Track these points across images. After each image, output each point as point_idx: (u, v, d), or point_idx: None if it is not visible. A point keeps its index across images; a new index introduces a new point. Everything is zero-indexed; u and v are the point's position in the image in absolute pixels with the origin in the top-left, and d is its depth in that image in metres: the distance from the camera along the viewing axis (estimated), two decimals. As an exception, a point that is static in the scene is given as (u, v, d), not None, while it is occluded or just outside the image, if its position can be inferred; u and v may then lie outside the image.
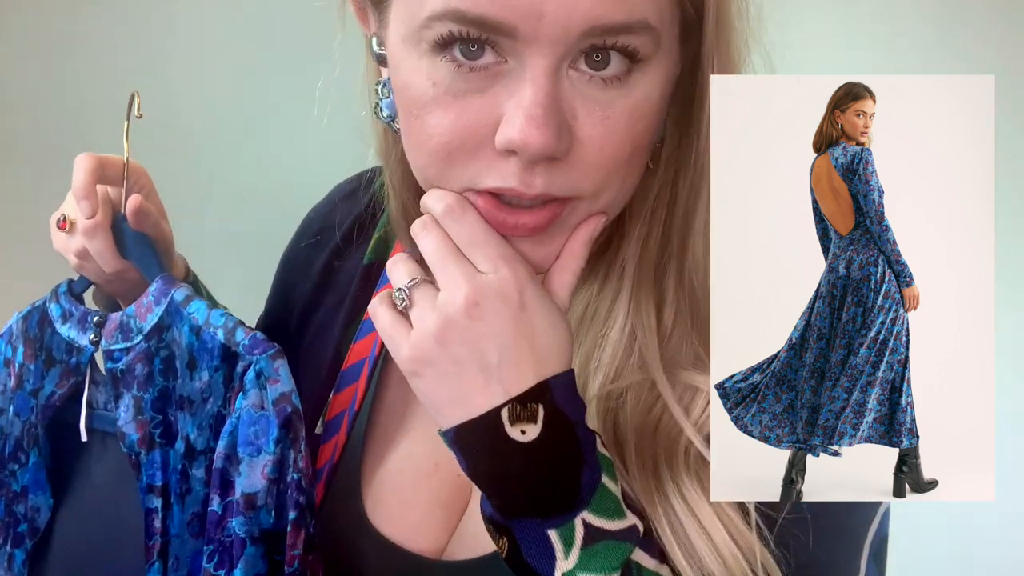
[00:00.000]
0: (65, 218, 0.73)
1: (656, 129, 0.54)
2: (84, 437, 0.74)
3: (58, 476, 0.76)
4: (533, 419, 0.51)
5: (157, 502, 0.69)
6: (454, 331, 0.52)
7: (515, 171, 0.51)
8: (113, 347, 0.72)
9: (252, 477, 0.66)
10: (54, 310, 0.76)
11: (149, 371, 0.70)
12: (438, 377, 0.53)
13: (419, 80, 0.52)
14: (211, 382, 0.69)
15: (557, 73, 0.50)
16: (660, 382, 0.56)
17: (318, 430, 0.72)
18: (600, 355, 0.59)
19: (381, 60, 0.58)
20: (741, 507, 0.54)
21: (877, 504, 0.57)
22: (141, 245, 0.73)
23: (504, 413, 0.51)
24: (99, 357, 0.73)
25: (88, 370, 0.74)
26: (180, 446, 0.70)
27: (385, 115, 0.60)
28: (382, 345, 0.71)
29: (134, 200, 0.72)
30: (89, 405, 0.74)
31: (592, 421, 0.56)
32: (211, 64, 1.58)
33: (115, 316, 0.73)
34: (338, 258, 0.77)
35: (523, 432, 0.50)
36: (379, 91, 0.60)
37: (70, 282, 0.77)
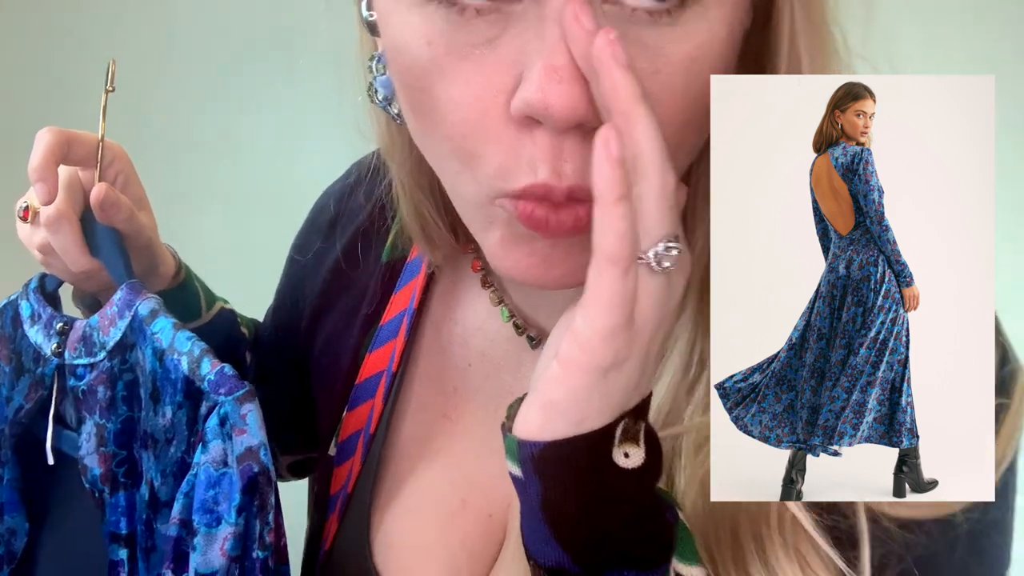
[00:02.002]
0: (28, 206, 0.63)
1: None
2: (50, 460, 0.63)
3: (34, 498, 0.66)
4: (637, 439, 0.39)
5: (123, 553, 0.58)
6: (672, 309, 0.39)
7: (543, 154, 0.39)
8: (76, 362, 0.61)
9: (209, 553, 0.52)
10: (24, 309, 0.65)
11: (112, 396, 0.59)
12: (623, 371, 0.38)
13: (412, 39, 0.40)
14: (174, 421, 0.57)
15: (587, 7, 0.37)
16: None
17: (332, 451, 0.64)
18: (655, 384, 0.48)
19: (372, 28, 0.47)
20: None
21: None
22: (109, 242, 0.62)
23: (619, 429, 0.39)
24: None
25: (54, 384, 0.63)
26: (145, 492, 0.58)
27: (380, 97, 0.49)
28: (400, 358, 0.62)
29: (99, 189, 0.60)
30: (61, 422, 0.63)
31: None
32: (203, 54, 1.58)
33: (79, 325, 0.62)
34: (354, 252, 0.67)
35: (627, 456, 0.39)
36: (373, 68, 0.49)
37: (42, 277, 0.66)
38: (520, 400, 0.42)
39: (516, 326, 0.59)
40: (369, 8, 0.46)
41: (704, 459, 0.46)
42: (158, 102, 1.56)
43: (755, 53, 0.44)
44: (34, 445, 0.64)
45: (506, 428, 0.41)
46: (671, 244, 0.37)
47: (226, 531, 0.53)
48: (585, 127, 0.39)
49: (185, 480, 0.54)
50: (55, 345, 0.62)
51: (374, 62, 0.49)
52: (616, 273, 0.36)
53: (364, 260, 0.67)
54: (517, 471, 0.39)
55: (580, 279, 0.41)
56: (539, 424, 0.38)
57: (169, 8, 1.58)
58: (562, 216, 0.41)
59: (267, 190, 1.51)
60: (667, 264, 0.38)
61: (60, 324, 0.62)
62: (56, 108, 1.54)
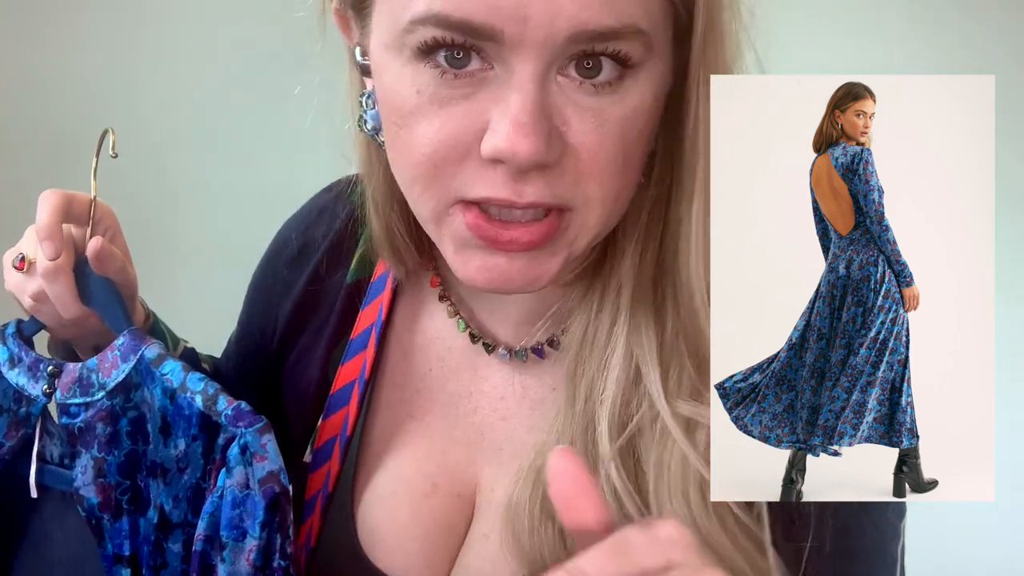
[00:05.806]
0: (24, 257, 0.67)
1: (649, 139, 0.53)
2: (34, 494, 0.67)
3: (11, 535, 0.69)
4: None
5: (125, 573, 0.64)
6: None
7: (504, 180, 0.49)
8: (69, 401, 0.65)
9: (237, 564, 0.60)
10: (1, 353, 0.69)
11: (114, 431, 0.65)
12: None
13: (403, 87, 0.50)
14: (188, 452, 0.63)
15: (545, 79, 0.48)
16: (666, 417, 0.53)
17: (306, 458, 0.69)
18: (604, 382, 0.57)
19: (365, 71, 0.57)
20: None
21: (896, 541, 0.57)
22: (105, 291, 0.67)
23: None
24: (52, 408, 0.67)
25: (39, 422, 0.67)
26: (153, 515, 0.64)
27: (369, 127, 0.58)
28: (372, 366, 0.69)
29: (95, 242, 0.65)
30: (42, 459, 0.67)
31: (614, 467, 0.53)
32: (194, 74, 1.59)
33: (73, 367, 0.66)
34: (320, 277, 0.74)
35: None
36: (363, 103, 0.58)
37: (19, 323, 0.70)
38: None
39: (472, 335, 0.66)
40: (363, 55, 0.56)
41: (659, 446, 0.53)
42: (156, 103, 1.56)
43: (674, 109, 0.53)
44: (11, 480, 0.68)
45: None
46: None
47: (251, 544, 0.60)
48: (542, 165, 0.49)
49: (208, 502, 0.61)
50: (45, 386, 0.66)
51: (364, 98, 0.58)
52: None
53: (329, 283, 0.74)
54: None
55: (538, 286, 0.52)
56: None
57: (167, 11, 1.59)
58: (514, 233, 0.50)
59: (259, 190, 1.51)
60: None
61: (51, 367, 0.67)
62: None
